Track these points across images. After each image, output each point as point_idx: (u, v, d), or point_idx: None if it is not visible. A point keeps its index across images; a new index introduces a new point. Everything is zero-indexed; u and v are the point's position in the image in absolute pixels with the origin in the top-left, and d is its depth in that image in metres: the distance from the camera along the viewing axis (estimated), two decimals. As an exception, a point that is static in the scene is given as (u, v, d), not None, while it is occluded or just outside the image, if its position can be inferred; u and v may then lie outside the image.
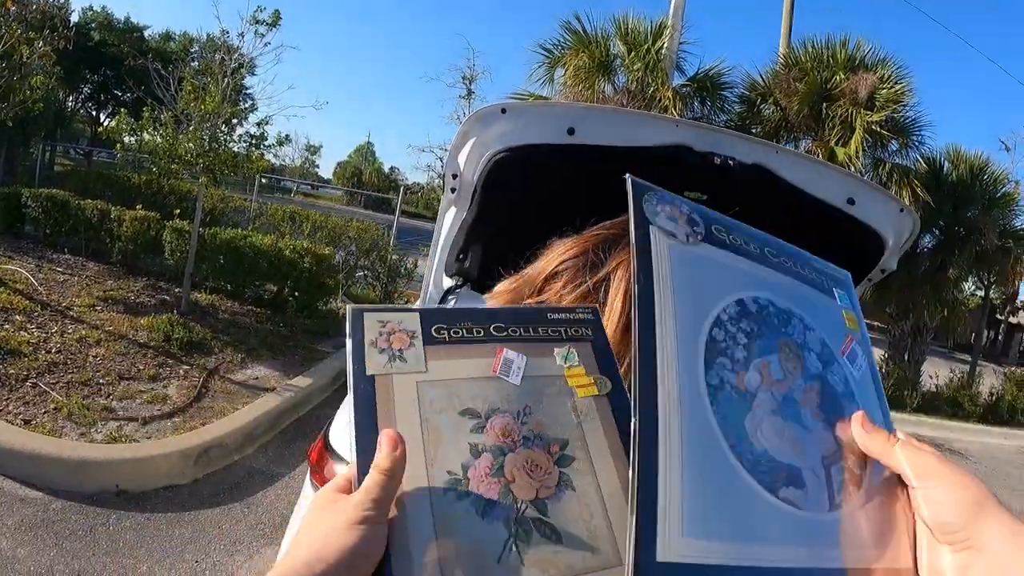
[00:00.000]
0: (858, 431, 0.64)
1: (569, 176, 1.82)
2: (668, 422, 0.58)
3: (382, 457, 0.61)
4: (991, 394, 12.84)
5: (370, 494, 0.59)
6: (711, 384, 0.60)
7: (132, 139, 7.63)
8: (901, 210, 2.01)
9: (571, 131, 1.65)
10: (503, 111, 1.63)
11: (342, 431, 2.18)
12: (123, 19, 29.64)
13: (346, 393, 2.33)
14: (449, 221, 1.99)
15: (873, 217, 1.99)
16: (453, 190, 1.85)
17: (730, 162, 1.74)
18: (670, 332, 0.62)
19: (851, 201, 1.94)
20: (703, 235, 0.68)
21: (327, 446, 2.14)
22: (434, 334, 0.71)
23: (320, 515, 0.61)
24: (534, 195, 1.88)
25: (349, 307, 0.72)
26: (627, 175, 0.70)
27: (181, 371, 5.40)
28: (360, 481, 0.63)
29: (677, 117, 1.68)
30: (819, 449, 0.63)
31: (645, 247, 0.65)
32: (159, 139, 6.94)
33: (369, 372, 0.68)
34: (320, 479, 2.09)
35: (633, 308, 0.63)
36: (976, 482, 0.59)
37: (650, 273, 0.64)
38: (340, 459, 2.06)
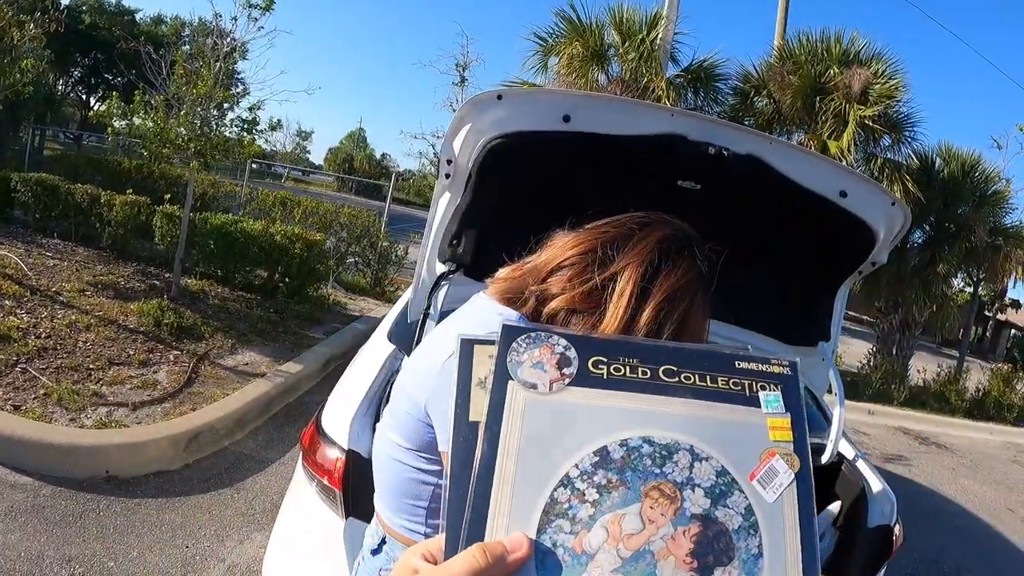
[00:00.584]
0: None
1: (564, 163, 1.82)
2: None
3: (494, 551, 0.57)
4: (978, 389, 12.94)
5: None
6: (540, 550, 0.59)
7: (123, 123, 7.57)
8: (892, 203, 2.02)
9: (567, 118, 1.65)
10: (499, 97, 1.63)
11: (335, 415, 2.19)
12: (114, 2, 29.42)
13: (337, 378, 2.34)
14: (443, 207, 1.99)
15: (865, 210, 2.00)
16: (447, 176, 1.86)
17: (724, 152, 1.74)
18: (505, 498, 0.61)
19: (843, 194, 1.95)
20: (572, 377, 0.66)
21: (319, 430, 2.14)
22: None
23: None
24: (529, 182, 1.89)
25: (458, 337, 0.70)
26: (502, 322, 0.69)
27: (171, 356, 5.39)
28: (448, 557, 0.60)
29: (672, 107, 1.69)
30: None
31: (499, 404, 0.64)
32: (150, 123, 6.89)
33: (472, 418, 0.66)
34: (312, 463, 2.10)
35: (473, 474, 0.62)
36: None
37: (496, 440, 0.63)
38: (332, 443, 2.07)
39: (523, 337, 0.68)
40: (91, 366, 4.82)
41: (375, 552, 1.34)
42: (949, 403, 12.05)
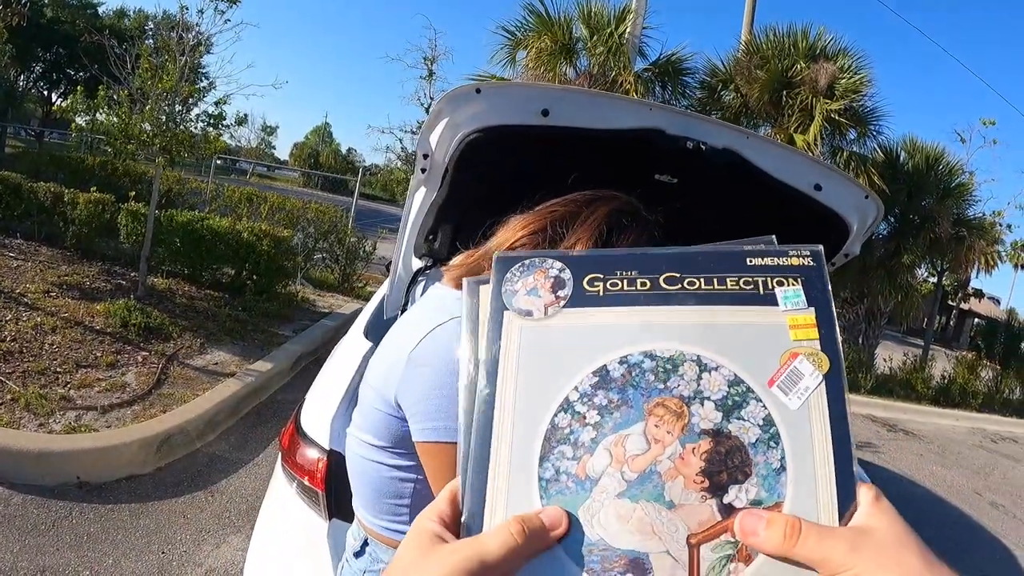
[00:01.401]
0: (739, 529, 0.56)
1: (542, 157, 1.81)
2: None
3: (532, 526, 0.55)
4: (943, 377, 13.23)
5: (483, 560, 0.53)
6: (543, 478, 0.58)
7: (86, 119, 7.41)
8: (866, 196, 2.05)
9: (546, 112, 1.64)
10: (477, 91, 1.61)
11: (314, 414, 2.16)
12: (77, -5, 28.78)
13: (313, 376, 2.30)
14: (419, 202, 1.97)
15: (838, 203, 2.02)
16: (424, 170, 1.84)
17: (701, 146, 1.75)
18: (507, 429, 0.60)
19: (818, 187, 1.96)
20: (567, 299, 0.64)
21: (299, 430, 2.11)
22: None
23: (415, 561, 0.56)
24: (507, 176, 1.87)
25: (466, 280, 0.68)
26: (495, 255, 0.67)
27: (139, 357, 5.30)
28: (471, 527, 0.58)
29: (651, 101, 1.70)
30: (685, 527, 0.57)
31: (495, 337, 0.63)
32: (114, 119, 6.76)
33: (484, 359, 0.63)
34: (292, 464, 2.07)
35: (470, 412, 0.61)
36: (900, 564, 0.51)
37: (494, 373, 0.61)
38: (312, 443, 2.04)
39: (517, 266, 0.67)
40: (58, 369, 4.73)
41: (358, 554, 1.32)
42: (915, 391, 12.31)
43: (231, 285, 7.80)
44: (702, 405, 0.60)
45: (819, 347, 0.61)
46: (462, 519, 0.59)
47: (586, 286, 0.65)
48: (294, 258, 8.48)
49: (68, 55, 26.22)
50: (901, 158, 13.24)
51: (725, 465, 0.58)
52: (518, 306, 0.64)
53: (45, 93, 30.64)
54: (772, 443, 0.59)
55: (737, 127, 1.87)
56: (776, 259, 0.65)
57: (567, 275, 0.65)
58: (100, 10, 29.41)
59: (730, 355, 0.61)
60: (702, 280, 0.64)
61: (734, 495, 0.57)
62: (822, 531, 0.53)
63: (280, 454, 2.22)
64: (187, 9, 7.09)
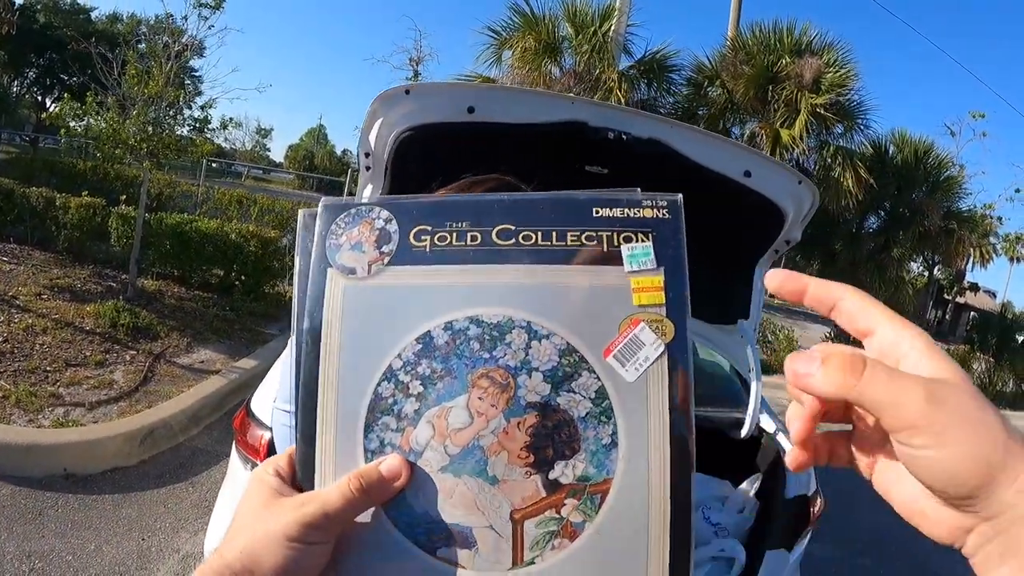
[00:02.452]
0: (790, 373, 0.47)
1: (473, 153, 1.91)
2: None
3: (371, 481, 0.55)
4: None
5: (326, 513, 0.54)
6: (369, 450, 0.57)
7: (77, 124, 7.50)
8: (799, 182, 2.11)
9: (471, 110, 1.74)
10: (407, 92, 1.71)
11: (263, 396, 2.26)
12: (69, 1, 28.89)
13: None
14: (367, 197, 2.08)
15: (770, 189, 2.09)
16: (368, 168, 1.94)
17: (623, 137, 1.84)
18: (332, 397, 0.57)
19: (747, 174, 2.03)
20: (392, 255, 0.59)
21: (249, 413, 2.21)
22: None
23: (256, 511, 0.56)
24: (441, 171, 1.98)
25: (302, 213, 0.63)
26: (321, 200, 0.63)
27: (127, 356, 5.40)
28: (303, 477, 0.58)
29: (573, 95, 1.76)
30: (508, 502, 0.56)
31: (318, 297, 0.59)
32: (103, 124, 6.85)
33: (307, 325, 0.59)
34: (244, 444, 2.17)
35: (298, 379, 0.58)
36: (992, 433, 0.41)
37: (318, 338, 0.58)
38: (261, 424, 2.14)
39: (343, 215, 0.61)
40: (48, 368, 4.83)
41: None
42: (907, 383, 12.33)
43: (219, 286, 7.89)
44: (529, 376, 0.57)
45: (665, 313, 0.57)
46: (298, 482, 0.59)
47: (413, 240, 0.60)
48: (282, 258, 8.57)
49: (61, 60, 26.32)
50: (890, 152, 13.31)
51: (551, 440, 0.56)
52: (341, 262, 0.60)
53: (39, 98, 30.74)
54: (604, 417, 0.56)
55: (661, 117, 1.96)
56: (626, 210, 0.59)
57: (393, 227, 0.60)
58: (93, 15, 29.51)
59: (564, 322, 0.57)
60: (539, 234, 0.59)
61: (560, 471, 0.56)
62: (892, 370, 0.43)
63: (234, 436, 2.32)
64: (172, 16, 7.20)
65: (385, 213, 0.61)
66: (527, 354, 0.56)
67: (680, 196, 0.60)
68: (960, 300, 35.17)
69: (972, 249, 15.78)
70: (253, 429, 2.14)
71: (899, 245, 13.27)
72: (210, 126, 7.44)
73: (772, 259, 2.65)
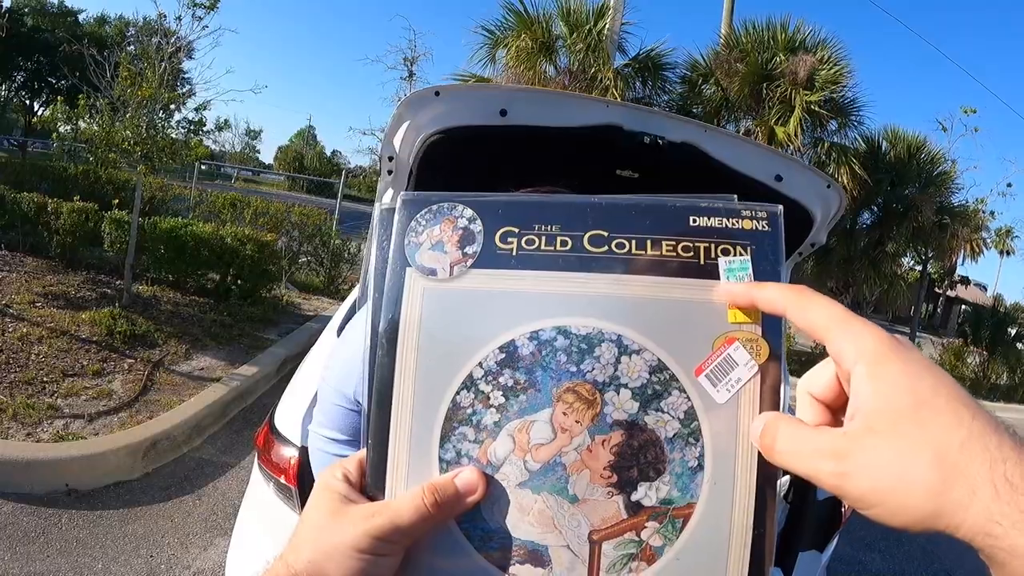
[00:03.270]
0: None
1: (504, 156, 1.85)
2: None
3: (446, 495, 0.53)
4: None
5: (397, 526, 0.52)
6: (444, 460, 0.55)
7: (68, 128, 7.40)
8: (828, 186, 2.08)
9: (503, 112, 1.68)
10: (436, 94, 1.65)
11: (287, 413, 2.19)
12: (57, 3, 28.67)
13: (290, 379, 2.33)
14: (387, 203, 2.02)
15: (800, 193, 2.06)
16: (390, 172, 1.88)
17: (659, 141, 1.79)
18: (407, 404, 0.55)
19: (779, 178, 2.00)
20: (476, 257, 0.57)
21: (273, 430, 2.15)
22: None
23: (324, 519, 0.54)
24: (471, 174, 1.91)
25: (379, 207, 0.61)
26: (400, 194, 0.60)
27: (125, 365, 5.31)
28: (372, 483, 0.56)
29: (608, 98, 1.73)
30: (587, 522, 0.54)
31: (396, 299, 0.57)
32: (95, 127, 6.75)
33: (383, 327, 0.57)
34: (268, 462, 2.11)
35: (372, 382, 0.57)
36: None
37: (394, 341, 0.56)
38: (286, 441, 2.08)
39: (423, 212, 0.59)
40: (45, 379, 4.74)
41: None
42: (902, 378, 12.38)
43: (216, 290, 7.80)
44: (617, 393, 0.54)
45: (760, 332, 0.54)
46: (368, 489, 0.57)
47: (498, 242, 0.57)
48: (278, 262, 8.49)
49: (49, 64, 26.14)
50: (883, 148, 13.36)
51: (636, 461, 0.54)
52: (421, 263, 0.57)
53: (27, 102, 30.52)
54: (692, 439, 0.54)
55: (695, 121, 1.91)
56: (725, 219, 0.56)
57: (477, 227, 0.58)
58: (80, 17, 29.32)
59: (656, 337, 0.54)
60: (633, 243, 0.56)
61: (643, 493, 0.54)
62: (799, 436, 0.46)
63: (256, 454, 2.26)
64: (165, 16, 7.10)
65: (469, 211, 0.58)
66: (616, 369, 0.54)
67: (780, 208, 0.57)
68: (951, 294, 35.43)
69: (964, 243, 15.83)
70: (278, 448, 2.07)
71: (893, 240, 13.31)
72: (205, 128, 7.32)
73: (796, 262, 2.61)
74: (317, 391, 1.33)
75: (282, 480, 2.05)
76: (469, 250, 0.57)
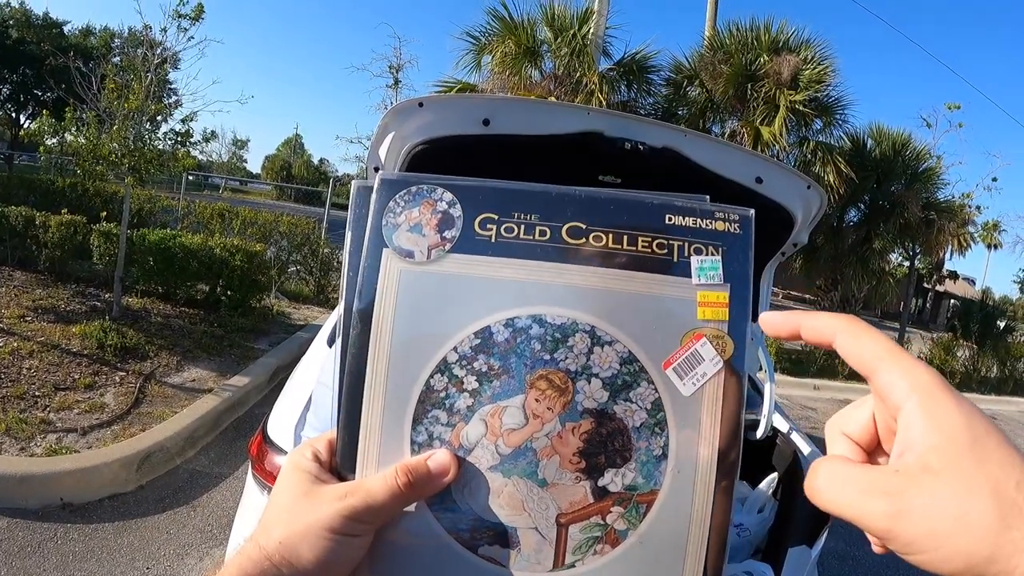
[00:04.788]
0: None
1: (488, 165, 1.88)
2: None
3: (419, 475, 0.54)
4: (920, 358, 13.36)
5: (369, 505, 0.53)
6: (416, 442, 0.55)
7: (55, 141, 7.37)
8: (808, 187, 2.12)
9: (486, 122, 1.71)
10: (420, 104, 1.68)
11: (280, 422, 2.21)
12: (42, 15, 28.54)
13: (283, 387, 2.34)
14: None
15: (780, 194, 2.09)
16: (377, 183, 1.91)
17: (640, 147, 1.82)
18: (379, 385, 0.56)
19: (759, 180, 2.03)
20: (454, 242, 0.58)
21: (266, 439, 2.17)
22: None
23: (295, 499, 0.54)
24: (456, 185, 1.95)
25: (355, 184, 0.62)
26: (378, 173, 0.61)
27: (117, 378, 5.30)
28: (343, 463, 0.56)
29: (589, 106, 1.75)
30: (555, 505, 0.55)
31: (371, 279, 0.57)
32: (82, 140, 6.74)
33: (357, 306, 0.57)
34: (261, 471, 2.12)
35: (344, 361, 0.57)
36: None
37: (368, 321, 0.57)
38: (279, 449, 2.10)
39: (402, 192, 0.59)
40: (37, 393, 4.73)
41: None
42: (892, 374, 12.43)
43: (206, 301, 7.79)
44: (588, 382, 0.56)
45: (727, 329, 0.56)
46: (338, 469, 0.58)
47: (477, 228, 0.58)
48: (268, 272, 8.47)
49: (35, 76, 26.00)
50: (868, 145, 13.46)
51: (604, 448, 0.56)
52: (399, 244, 0.58)
53: (13, 115, 30.34)
54: (657, 429, 0.56)
55: (674, 126, 1.95)
56: (699, 220, 0.58)
57: (457, 211, 0.59)
58: (66, 29, 29.19)
59: (628, 329, 0.56)
60: (610, 236, 0.58)
61: (609, 479, 0.56)
62: (848, 480, 0.43)
63: (250, 463, 2.27)
64: (151, 28, 7.09)
65: (448, 195, 0.59)
66: (588, 359, 0.56)
67: (752, 212, 0.60)
68: (940, 288, 35.63)
69: (951, 238, 15.94)
70: (272, 456, 2.09)
71: (880, 237, 13.41)
72: (192, 139, 7.32)
73: (779, 261, 2.65)
74: (312, 396, 1.35)
75: (276, 488, 2.06)
76: (448, 234, 0.58)
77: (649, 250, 0.57)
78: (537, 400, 0.56)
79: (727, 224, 0.59)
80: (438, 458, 0.55)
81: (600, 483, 0.56)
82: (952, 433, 0.39)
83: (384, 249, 0.58)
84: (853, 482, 0.43)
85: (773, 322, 0.51)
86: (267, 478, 2.11)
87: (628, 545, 0.55)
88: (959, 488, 0.37)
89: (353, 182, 0.63)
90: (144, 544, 3.50)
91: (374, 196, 0.59)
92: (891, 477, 0.41)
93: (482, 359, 0.56)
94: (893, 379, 0.43)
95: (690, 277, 0.57)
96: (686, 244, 0.58)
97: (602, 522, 0.55)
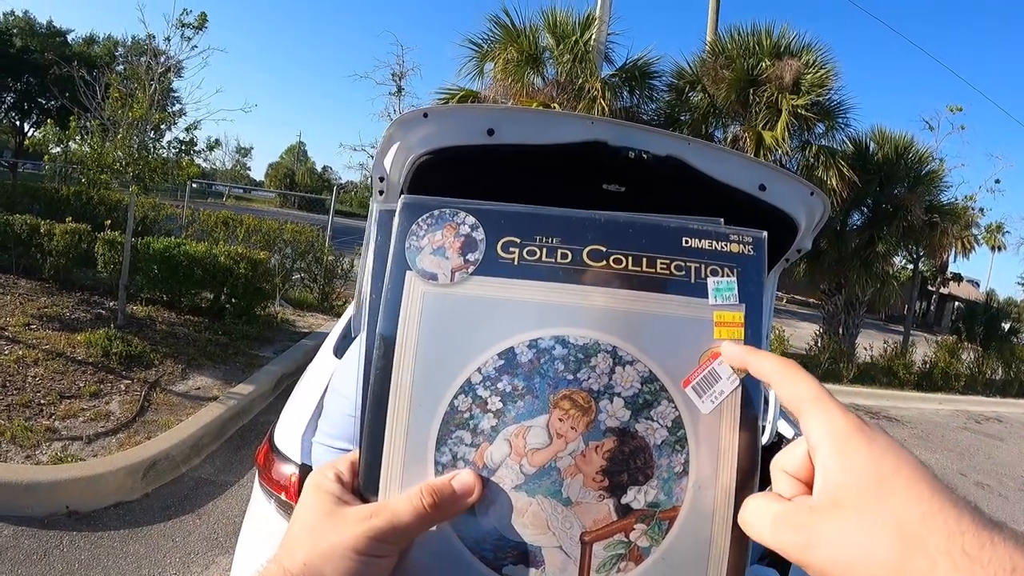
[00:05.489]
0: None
1: (493, 174, 1.89)
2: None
3: (443, 496, 0.54)
4: (925, 362, 13.37)
5: (395, 526, 0.53)
6: (440, 463, 0.56)
7: (59, 149, 7.40)
8: (812, 193, 2.11)
9: (491, 132, 1.72)
10: (425, 115, 1.68)
11: (287, 431, 2.22)
12: (46, 23, 28.66)
13: (288, 395, 2.35)
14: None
15: (784, 201, 2.09)
16: (381, 192, 1.91)
17: (644, 156, 1.83)
18: (403, 407, 0.57)
19: (762, 187, 2.03)
20: (477, 264, 0.59)
21: (273, 447, 2.17)
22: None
23: (319, 521, 0.54)
24: (461, 194, 1.95)
25: (376, 208, 0.62)
26: (401, 197, 0.62)
27: (122, 386, 5.32)
28: (365, 484, 0.56)
29: (592, 115, 1.76)
30: (579, 524, 0.56)
31: (395, 301, 0.58)
32: (86, 148, 6.77)
33: (380, 329, 0.58)
34: (268, 480, 2.13)
35: (367, 382, 0.58)
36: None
37: (392, 343, 0.57)
38: (286, 459, 2.10)
39: (425, 216, 0.60)
40: (42, 401, 4.74)
41: None
42: (897, 377, 12.44)
43: (210, 309, 7.81)
44: (611, 402, 0.57)
45: None
46: (360, 490, 0.58)
47: (500, 251, 0.59)
48: (272, 279, 8.49)
49: (40, 84, 26.11)
50: (871, 149, 13.43)
51: (627, 466, 0.56)
52: (422, 267, 0.59)
53: (17, 123, 30.46)
54: (678, 447, 0.57)
55: (678, 135, 1.95)
56: (714, 243, 0.60)
57: (479, 235, 0.59)
58: (69, 38, 29.33)
59: (648, 349, 0.58)
60: (630, 259, 0.59)
61: (632, 496, 0.56)
62: (771, 519, 0.49)
63: (257, 472, 2.28)
64: (154, 37, 7.13)
65: (471, 219, 0.60)
66: (611, 379, 0.57)
67: (765, 234, 0.63)
68: (944, 291, 35.57)
69: (955, 241, 15.92)
70: (279, 465, 2.10)
71: (884, 240, 13.37)
72: (196, 148, 7.34)
73: (783, 268, 2.65)
74: (324, 403, 1.35)
75: (283, 497, 2.07)
76: (471, 257, 0.59)
77: (667, 272, 0.59)
78: (561, 420, 0.57)
79: (741, 246, 0.61)
80: (462, 478, 0.55)
81: (623, 500, 0.56)
82: (860, 472, 0.43)
83: (407, 272, 0.58)
84: (773, 517, 0.48)
85: (730, 353, 0.57)
86: (274, 487, 2.12)
87: (651, 562, 0.56)
88: (864, 523, 0.42)
89: (372, 203, 0.65)
90: (150, 552, 3.50)
91: (396, 219, 0.60)
92: (804, 513, 0.46)
93: (506, 380, 0.57)
94: (813, 424, 0.48)
95: (707, 298, 0.59)
96: (703, 266, 0.60)
97: (625, 539, 0.56)
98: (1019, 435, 10.63)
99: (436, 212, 0.60)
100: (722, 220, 0.63)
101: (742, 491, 0.56)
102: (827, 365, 11.68)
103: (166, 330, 6.89)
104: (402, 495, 0.55)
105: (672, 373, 0.57)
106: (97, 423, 4.60)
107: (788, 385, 0.51)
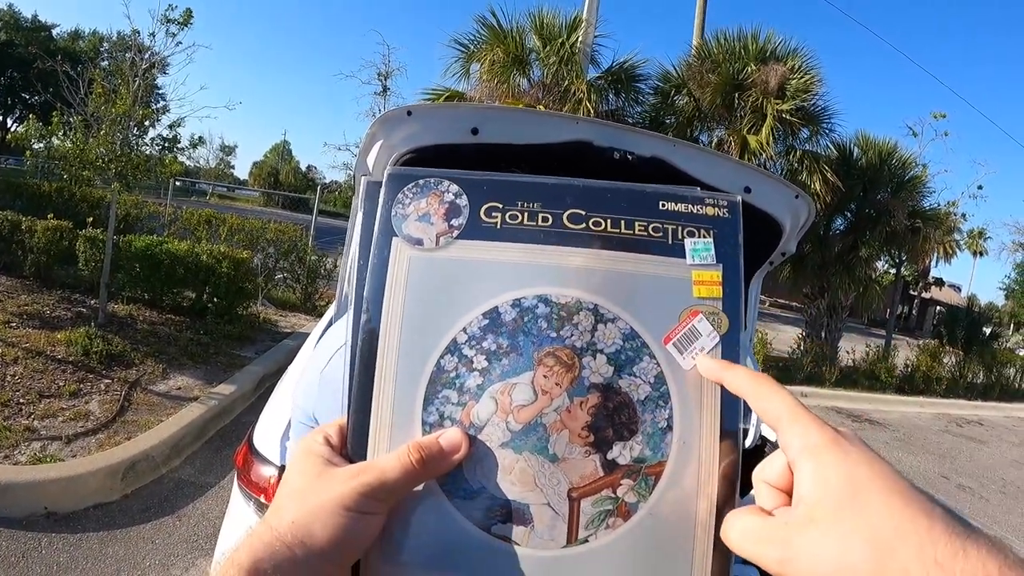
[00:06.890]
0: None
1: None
2: None
3: (431, 453, 0.55)
4: (906, 365, 13.48)
5: (383, 482, 0.53)
6: (427, 422, 0.57)
7: (41, 145, 7.31)
8: (796, 196, 2.11)
9: (475, 131, 1.71)
10: (408, 113, 1.67)
11: (266, 433, 2.20)
12: (30, 17, 28.39)
13: (270, 395, 2.33)
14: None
15: (769, 204, 2.09)
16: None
17: (629, 156, 1.82)
18: (390, 368, 0.57)
19: (747, 190, 2.03)
20: (461, 229, 0.60)
21: (252, 450, 2.15)
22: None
23: (308, 481, 0.54)
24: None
25: (363, 179, 0.65)
26: (386, 169, 0.64)
27: (102, 385, 5.26)
28: (354, 447, 0.57)
29: (577, 115, 1.76)
30: (566, 480, 0.56)
31: (382, 266, 0.60)
32: (69, 144, 6.69)
33: (368, 294, 0.60)
34: (247, 482, 2.11)
35: (354, 344, 0.59)
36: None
37: (379, 305, 0.59)
38: (265, 460, 2.08)
39: (410, 185, 0.62)
40: (21, 400, 4.68)
41: None
42: (880, 380, 12.53)
43: (192, 309, 7.74)
44: (594, 358, 0.58)
45: (721, 307, 0.60)
46: (348, 453, 0.58)
47: (483, 216, 0.61)
48: (255, 279, 8.43)
49: (23, 79, 25.86)
50: (854, 154, 13.53)
51: (612, 421, 0.57)
52: (408, 233, 0.60)
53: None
54: (661, 402, 0.58)
55: (663, 136, 1.95)
56: (690, 206, 0.62)
57: (463, 201, 0.61)
58: (54, 32, 29.07)
59: (629, 307, 0.59)
60: (608, 222, 0.61)
61: (618, 452, 0.57)
62: (753, 536, 0.50)
63: (236, 473, 2.25)
64: (139, 32, 7.06)
65: (455, 187, 0.62)
66: (593, 336, 0.58)
67: (739, 197, 0.65)
68: (926, 295, 35.89)
69: (937, 246, 16.06)
70: (258, 467, 2.08)
71: (867, 245, 13.47)
72: (179, 146, 7.28)
73: (767, 271, 2.65)
74: (292, 411, 1.36)
75: (262, 499, 2.05)
76: (455, 222, 0.61)
77: (645, 233, 0.61)
78: (545, 376, 0.58)
79: (717, 209, 0.63)
80: (449, 436, 0.56)
81: (609, 456, 0.57)
82: (834, 487, 0.44)
83: (394, 238, 0.60)
84: (752, 532, 0.50)
85: (707, 367, 0.58)
86: (252, 489, 2.09)
87: (639, 517, 0.56)
88: (838, 536, 0.43)
89: (360, 176, 0.68)
90: (129, 554, 3.46)
91: (383, 189, 0.62)
92: (782, 528, 0.47)
93: (491, 338, 0.58)
94: (790, 439, 0.49)
95: (685, 258, 0.61)
96: (679, 228, 0.61)
97: (613, 495, 0.57)
98: (1000, 438, 10.74)
99: (421, 181, 0.62)
100: (698, 188, 0.65)
101: (727, 448, 0.57)
102: (810, 369, 11.73)
103: (147, 329, 6.82)
104: (391, 453, 0.55)
105: (653, 330, 0.59)
106: (76, 423, 4.54)
107: (763, 401, 0.52)
